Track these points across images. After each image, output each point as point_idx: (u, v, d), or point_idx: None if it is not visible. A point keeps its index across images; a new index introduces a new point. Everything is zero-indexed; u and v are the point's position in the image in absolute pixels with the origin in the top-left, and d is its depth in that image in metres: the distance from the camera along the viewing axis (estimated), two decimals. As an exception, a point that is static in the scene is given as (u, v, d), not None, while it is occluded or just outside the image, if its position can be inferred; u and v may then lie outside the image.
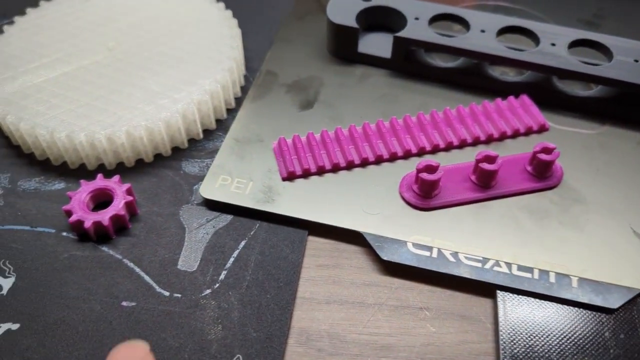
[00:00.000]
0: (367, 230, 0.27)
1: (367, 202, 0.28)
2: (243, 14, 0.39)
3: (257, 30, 0.38)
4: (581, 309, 0.25)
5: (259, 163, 0.30)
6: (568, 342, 0.24)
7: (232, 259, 0.27)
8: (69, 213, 0.27)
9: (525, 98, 0.32)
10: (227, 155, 0.30)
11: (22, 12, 0.36)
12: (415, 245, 0.27)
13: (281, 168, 0.29)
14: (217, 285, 0.26)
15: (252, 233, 0.28)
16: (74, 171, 0.30)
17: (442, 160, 0.30)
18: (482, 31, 0.33)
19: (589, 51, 0.33)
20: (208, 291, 0.26)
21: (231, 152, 0.30)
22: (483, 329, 0.25)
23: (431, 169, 0.27)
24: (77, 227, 0.27)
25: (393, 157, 0.30)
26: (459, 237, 0.27)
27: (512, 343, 0.24)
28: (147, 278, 0.26)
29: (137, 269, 0.26)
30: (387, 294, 0.26)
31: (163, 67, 0.31)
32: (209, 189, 0.28)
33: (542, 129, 0.32)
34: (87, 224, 0.26)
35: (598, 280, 0.25)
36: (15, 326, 0.24)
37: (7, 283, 0.26)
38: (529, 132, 0.31)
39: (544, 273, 0.26)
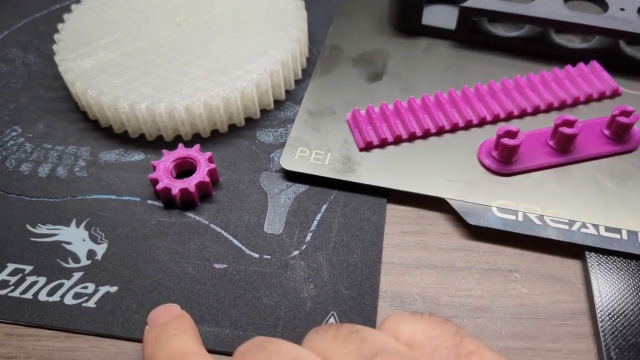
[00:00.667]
0: (450, 197, 0.27)
1: (447, 170, 0.28)
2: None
3: (317, 4, 0.39)
4: (673, 268, 0.25)
5: (334, 134, 0.30)
6: (663, 299, 0.24)
7: (315, 222, 0.27)
8: (155, 181, 0.27)
9: (595, 64, 0.32)
10: (302, 127, 0.30)
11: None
12: (500, 209, 0.27)
13: (357, 138, 0.30)
14: (305, 246, 0.26)
15: (332, 197, 0.28)
16: (151, 143, 0.31)
17: (518, 127, 0.30)
18: (549, -2, 0.33)
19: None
20: (296, 252, 0.26)
21: (306, 124, 0.30)
22: (575, 290, 0.25)
23: (512, 134, 0.27)
24: (165, 195, 0.27)
25: (468, 125, 0.30)
26: (543, 201, 0.27)
27: (607, 302, 0.24)
28: (235, 241, 0.27)
29: (225, 233, 0.27)
30: (476, 257, 0.26)
31: (232, 40, 0.32)
32: (289, 161, 0.29)
33: (615, 94, 0.31)
34: (175, 191, 0.27)
35: (687, 239, 0.25)
36: (113, 289, 0.25)
37: (100, 249, 0.26)
38: (601, 97, 0.31)
39: (632, 233, 0.26)
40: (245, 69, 0.30)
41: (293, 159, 0.29)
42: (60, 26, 0.33)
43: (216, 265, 0.26)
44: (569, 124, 0.28)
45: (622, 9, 0.32)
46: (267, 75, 0.30)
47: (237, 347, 0.18)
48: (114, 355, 0.23)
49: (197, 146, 0.29)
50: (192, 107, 0.29)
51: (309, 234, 0.27)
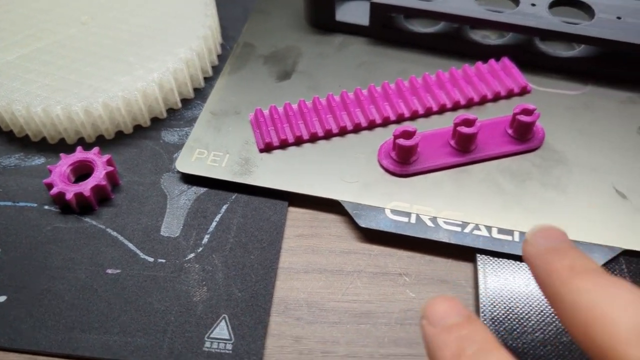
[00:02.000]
0: (346, 199, 0.27)
1: (346, 171, 0.28)
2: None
3: (232, 1, 0.38)
4: (562, 270, 0.25)
5: (235, 135, 0.29)
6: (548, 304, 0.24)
7: (214, 223, 0.27)
8: (49, 186, 0.27)
9: (506, 60, 0.32)
10: (203, 128, 0.30)
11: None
12: (393, 211, 0.26)
13: (258, 139, 0.29)
14: (201, 249, 0.26)
15: (233, 197, 0.28)
16: (53, 146, 0.30)
17: (422, 126, 0.30)
18: (461, -6, 0.32)
19: (569, 10, 0.32)
20: (192, 255, 0.26)
21: (208, 125, 0.30)
22: (464, 293, 0.25)
23: (408, 134, 0.27)
24: (59, 200, 0.27)
25: (372, 125, 0.30)
26: (438, 202, 0.26)
27: (492, 306, 0.24)
28: (130, 245, 0.26)
29: (121, 237, 0.26)
30: (366, 261, 0.26)
31: (138, 38, 0.31)
32: (185, 163, 0.28)
33: (524, 91, 0.31)
34: (69, 195, 0.26)
35: (580, 240, 0.25)
36: (2, 298, 0.24)
37: None
38: (510, 94, 0.31)
39: (524, 235, 0.25)
40: (147, 68, 0.30)
41: (190, 161, 0.28)
42: (-38, 27, 0.33)
43: (109, 271, 0.25)
44: (469, 123, 0.27)
45: (533, 5, 0.32)
46: (170, 74, 0.30)
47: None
48: (-12, 367, 0.23)
49: (95, 149, 0.28)
50: (90, 108, 0.28)
51: (206, 236, 0.26)
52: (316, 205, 0.27)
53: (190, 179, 0.28)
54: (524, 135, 0.28)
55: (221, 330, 0.24)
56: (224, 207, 0.27)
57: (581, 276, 0.16)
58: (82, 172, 0.28)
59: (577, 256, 0.17)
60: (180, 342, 0.23)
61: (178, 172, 0.28)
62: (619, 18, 0.31)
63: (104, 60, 0.30)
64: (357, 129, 0.29)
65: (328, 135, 0.29)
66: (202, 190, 0.28)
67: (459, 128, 0.27)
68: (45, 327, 0.24)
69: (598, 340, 0.15)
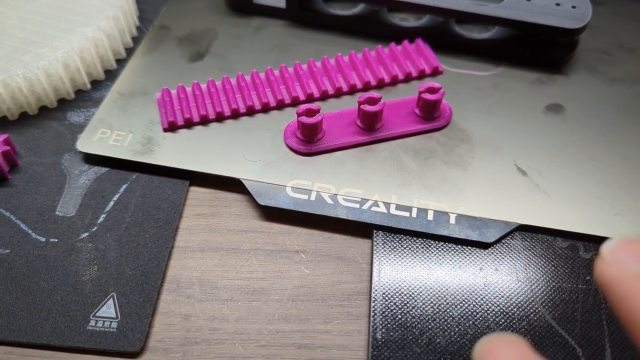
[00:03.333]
0: (247, 177, 0.26)
1: (251, 150, 0.27)
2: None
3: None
4: (457, 245, 0.25)
5: (141, 115, 0.29)
6: (440, 278, 0.24)
7: (112, 203, 0.26)
8: None
9: (420, 42, 0.32)
10: (109, 109, 0.29)
11: None
12: (294, 189, 0.26)
13: (163, 119, 0.28)
14: (95, 228, 0.25)
15: (134, 177, 0.27)
16: None
17: (332, 106, 0.29)
18: (377, -24, 0.32)
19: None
20: (85, 234, 0.25)
21: (113, 105, 0.29)
22: (359, 270, 0.24)
23: (311, 112, 0.27)
24: None
25: (281, 105, 0.29)
26: (340, 180, 0.26)
27: (384, 280, 0.23)
28: (22, 225, 0.25)
29: (13, 218, 0.26)
30: (264, 239, 0.25)
31: (43, 17, 0.30)
32: (87, 143, 0.28)
33: (436, 72, 0.31)
34: None
35: (477, 216, 0.25)
36: None
37: None
38: (422, 75, 0.31)
39: (422, 211, 0.25)
40: (51, 46, 0.29)
41: (92, 141, 0.28)
42: None
43: None
44: (372, 101, 0.27)
45: (446, -14, 0.32)
46: (75, 53, 0.29)
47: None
48: None
49: None
50: None
51: (103, 215, 0.26)
52: (218, 185, 0.27)
53: (93, 160, 0.28)
54: (430, 114, 0.28)
55: (108, 308, 0.23)
56: (124, 186, 0.27)
57: None
58: None
59: None
60: (64, 321, 0.22)
61: (80, 152, 0.28)
62: (528, 0, 0.31)
63: (7, 39, 0.29)
64: (265, 108, 0.29)
65: (235, 114, 0.29)
66: (103, 170, 0.27)
67: (362, 106, 0.27)
68: None
69: None
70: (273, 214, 0.26)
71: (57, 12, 0.31)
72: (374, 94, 0.27)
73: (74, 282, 0.24)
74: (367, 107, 0.27)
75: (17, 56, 0.28)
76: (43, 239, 0.25)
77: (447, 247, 0.24)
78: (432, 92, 0.28)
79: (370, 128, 0.28)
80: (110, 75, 0.32)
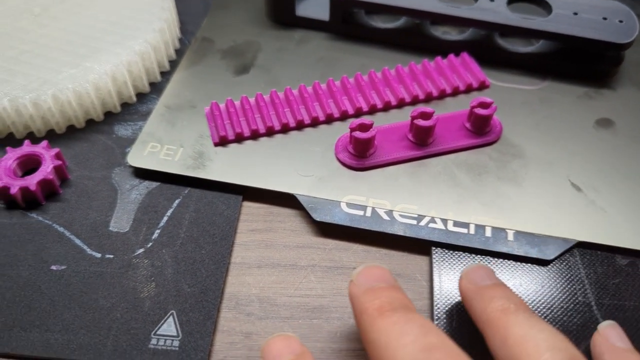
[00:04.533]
0: (301, 192, 0.26)
1: (302, 165, 0.27)
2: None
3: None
4: (518, 262, 0.24)
5: (190, 129, 0.29)
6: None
7: (165, 218, 0.26)
8: None
9: (465, 56, 0.32)
10: (157, 122, 0.29)
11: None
12: (349, 205, 0.26)
13: (213, 133, 0.28)
14: (151, 244, 0.25)
15: (186, 192, 0.27)
16: (1, 140, 0.29)
17: (381, 120, 0.29)
18: (421, -11, 0.32)
19: (528, 7, 0.33)
20: (141, 250, 0.25)
21: (162, 119, 0.29)
22: (418, 287, 0.24)
23: (364, 127, 0.27)
24: (3, 194, 0.26)
25: (330, 119, 0.29)
26: (394, 196, 0.26)
27: (445, 299, 0.23)
28: (77, 241, 0.25)
29: (67, 233, 0.25)
30: (321, 255, 0.25)
31: (91, 31, 0.30)
32: (137, 157, 0.27)
33: (483, 86, 0.31)
34: (14, 190, 0.25)
35: (534, 232, 0.25)
36: None
37: None
38: (469, 89, 0.31)
39: (480, 228, 0.25)
40: (100, 60, 0.29)
41: (142, 155, 0.27)
42: None
43: (54, 267, 0.24)
44: (425, 116, 0.27)
45: (491, 0, 0.32)
46: (123, 66, 0.29)
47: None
48: None
49: (44, 142, 0.27)
50: (39, 101, 0.27)
51: (157, 231, 0.26)
52: (271, 200, 0.27)
53: (143, 174, 0.27)
54: (481, 129, 0.28)
55: (168, 326, 0.23)
56: (177, 201, 0.27)
57: (384, 316, 0.18)
58: (29, 166, 0.27)
59: (387, 296, 0.19)
60: (125, 340, 0.22)
61: (130, 166, 0.28)
62: (575, 14, 0.31)
63: (55, 52, 0.29)
64: (315, 122, 0.29)
65: (285, 129, 0.29)
66: (155, 184, 0.27)
67: (416, 121, 0.27)
68: None
69: None
70: (328, 230, 0.26)
71: (104, 25, 0.31)
72: (426, 108, 0.27)
73: (132, 299, 0.23)
74: (421, 122, 0.27)
75: (66, 70, 0.28)
76: (99, 255, 0.25)
77: (506, 264, 0.24)
78: (484, 107, 0.28)
79: (423, 142, 0.28)
80: (155, 88, 0.32)
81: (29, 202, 0.26)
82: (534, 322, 0.18)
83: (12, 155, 0.27)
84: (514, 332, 0.18)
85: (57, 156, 0.27)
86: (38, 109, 0.28)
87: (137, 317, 0.23)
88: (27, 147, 0.27)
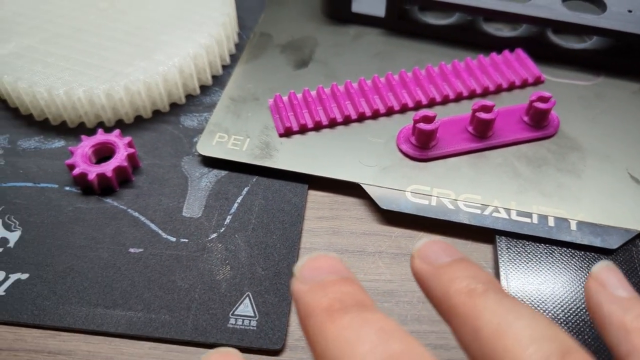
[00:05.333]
0: (366, 182, 0.27)
1: (365, 155, 0.28)
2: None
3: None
4: (580, 251, 0.25)
5: (255, 120, 0.30)
6: (568, 283, 0.24)
7: (236, 205, 0.27)
8: (71, 167, 0.27)
9: (520, 52, 0.32)
10: (223, 113, 0.30)
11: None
12: (414, 194, 0.27)
13: (278, 124, 0.29)
14: (223, 229, 0.26)
15: (254, 180, 0.28)
16: (73, 130, 0.30)
17: (439, 113, 0.30)
18: (476, -14, 0.33)
19: (582, 4, 0.33)
20: (214, 235, 0.26)
21: (227, 110, 0.30)
22: (483, 273, 0.25)
23: (428, 119, 0.27)
24: (81, 180, 0.27)
25: (390, 112, 0.30)
26: (458, 186, 0.27)
27: (512, 285, 0.24)
28: (152, 226, 0.26)
29: (142, 218, 0.27)
30: (387, 242, 0.26)
31: (156, 25, 0.31)
32: (206, 146, 0.28)
33: (538, 81, 0.32)
34: (91, 176, 0.26)
35: (596, 223, 0.25)
36: (24, 276, 0.25)
37: (13, 236, 0.26)
38: (524, 84, 0.31)
39: (542, 217, 0.26)
40: (168, 53, 0.30)
41: (210, 145, 0.29)
42: (-20, 12, 0.33)
43: (132, 250, 0.26)
44: (487, 109, 0.28)
45: (546, -3, 0.32)
46: (190, 59, 0.30)
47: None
48: (11, 343, 0.23)
49: (117, 131, 0.28)
50: (112, 92, 0.29)
51: (229, 217, 0.27)
52: (335, 189, 0.28)
53: (211, 162, 0.28)
54: (539, 123, 0.29)
55: (245, 307, 0.24)
56: (245, 189, 0.28)
57: (334, 318, 0.14)
58: (102, 154, 0.28)
59: (337, 291, 0.15)
60: (205, 319, 0.23)
61: (198, 155, 0.29)
62: (630, 11, 0.31)
63: (123, 45, 0.30)
64: (375, 115, 0.30)
65: (346, 121, 0.29)
66: (223, 173, 0.28)
67: (477, 114, 0.28)
68: (69, 303, 0.24)
69: None
70: (392, 218, 0.27)
71: (169, 19, 0.32)
72: (487, 102, 0.28)
73: (209, 281, 0.24)
74: (482, 115, 0.28)
75: (136, 62, 0.29)
76: (174, 239, 0.26)
77: (571, 253, 0.25)
78: (543, 100, 0.28)
79: (483, 135, 0.28)
80: (217, 80, 0.33)
81: (104, 188, 0.27)
82: (509, 305, 0.14)
83: (87, 143, 0.28)
84: (487, 321, 0.14)
85: (130, 144, 0.28)
86: (110, 100, 0.29)
87: (215, 298, 0.24)
88: (100, 136, 0.28)
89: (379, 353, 0.13)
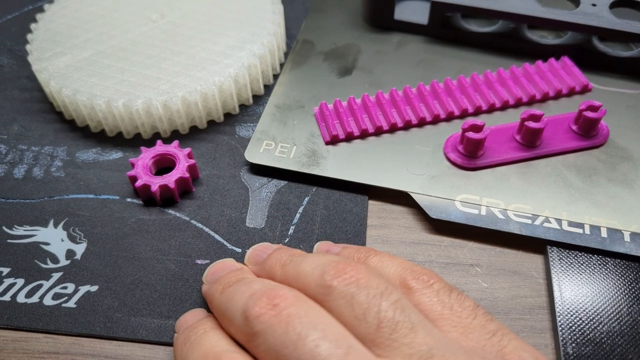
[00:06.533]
0: (414, 190, 0.27)
1: (413, 164, 0.28)
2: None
3: (292, 0, 0.39)
4: (635, 262, 0.25)
5: (301, 128, 0.30)
6: (623, 295, 0.24)
7: (298, 215, 0.27)
8: (133, 179, 0.27)
9: (566, 59, 0.32)
10: (269, 121, 0.30)
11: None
12: (463, 203, 0.26)
13: (324, 132, 0.29)
14: (287, 239, 0.26)
15: (314, 190, 0.28)
16: (129, 141, 0.30)
17: (485, 121, 0.30)
18: (521, -6, 0.33)
19: (630, 12, 0.33)
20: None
21: (273, 118, 0.30)
22: (535, 284, 0.25)
23: (476, 128, 0.27)
24: (144, 192, 0.27)
25: (436, 120, 0.30)
26: (507, 195, 0.27)
27: (566, 296, 0.24)
28: (217, 237, 0.26)
29: (206, 229, 0.27)
30: (437, 251, 0.26)
31: (209, 35, 0.32)
32: (254, 154, 0.29)
33: (585, 89, 0.31)
34: (154, 187, 0.27)
35: (651, 234, 0.25)
36: (94, 288, 0.25)
37: (79, 249, 0.26)
38: (571, 92, 0.31)
39: (595, 228, 0.25)
40: (222, 64, 0.30)
41: (258, 152, 0.29)
42: (33, 26, 0.33)
43: (198, 261, 0.26)
44: (535, 118, 0.28)
45: (593, 5, 0.32)
46: (245, 69, 0.30)
47: None
48: (68, 347, 0.23)
49: (175, 142, 0.28)
50: (169, 103, 0.29)
51: (292, 227, 0.27)
52: (383, 197, 0.28)
53: (266, 171, 0.29)
54: (588, 132, 0.29)
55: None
56: (306, 199, 0.28)
57: (225, 291, 0.21)
58: (162, 165, 0.29)
59: (229, 277, 0.22)
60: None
61: (248, 163, 0.29)
62: (679, 18, 0.31)
63: (177, 56, 0.31)
64: (421, 123, 0.30)
65: (392, 129, 0.30)
66: (282, 183, 0.28)
67: (526, 123, 0.28)
68: (140, 315, 0.24)
69: None
70: (441, 227, 0.27)
71: (221, 29, 0.32)
72: (536, 110, 0.28)
73: None
74: (531, 124, 0.27)
75: (193, 73, 0.30)
76: (239, 250, 0.26)
77: (625, 265, 0.25)
78: (593, 110, 0.28)
79: (531, 144, 0.28)
80: (268, 90, 0.33)
81: (166, 199, 0.28)
82: (299, 258, 0.21)
83: (147, 155, 0.28)
84: (289, 273, 0.21)
85: (189, 155, 0.28)
86: (167, 111, 0.29)
87: None
88: (160, 147, 0.28)
89: (254, 290, 0.19)
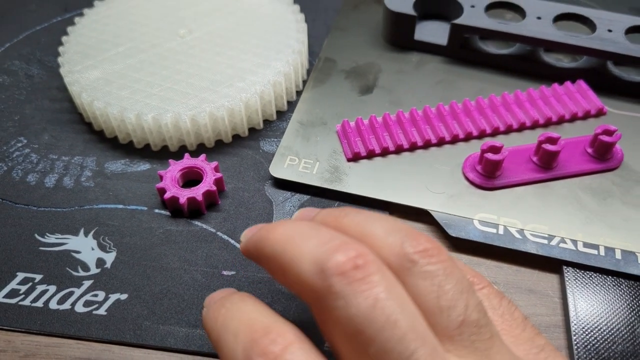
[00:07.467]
0: (433, 208, 0.28)
1: (432, 182, 0.29)
2: (300, 1, 0.40)
3: (316, 17, 0.40)
4: (648, 285, 0.26)
5: (323, 145, 0.31)
6: (636, 315, 0.25)
7: None
8: (162, 191, 0.28)
9: (582, 83, 0.33)
10: (292, 137, 0.31)
11: (89, 5, 0.37)
12: (481, 222, 0.27)
13: (346, 149, 0.30)
14: None
15: (336, 205, 0.29)
16: (157, 153, 0.31)
17: (502, 142, 0.31)
18: (538, 18, 0.34)
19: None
20: None
21: (297, 134, 0.31)
22: (551, 303, 0.26)
23: (495, 149, 0.28)
24: (172, 204, 0.28)
25: (454, 139, 0.31)
26: (524, 215, 0.28)
27: (582, 316, 0.24)
28: None
29: (232, 241, 0.27)
30: (455, 268, 0.27)
31: (235, 52, 0.33)
32: (278, 168, 0.30)
33: (600, 113, 0.32)
34: (182, 199, 0.27)
35: (664, 257, 0.26)
36: (123, 296, 0.26)
37: (109, 257, 0.27)
38: (587, 116, 0.32)
39: (609, 250, 0.26)
40: (249, 81, 0.31)
41: (282, 167, 0.30)
42: (64, 39, 0.34)
43: (225, 272, 0.26)
44: (552, 140, 0.29)
45: (609, 30, 0.33)
46: (270, 86, 0.31)
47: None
48: (99, 353, 0.24)
49: (203, 156, 0.29)
50: (197, 117, 0.30)
51: None
52: (404, 214, 0.29)
53: (289, 186, 0.30)
54: (603, 155, 0.29)
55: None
56: (329, 214, 0.28)
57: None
58: (189, 177, 0.29)
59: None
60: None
61: (272, 178, 0.30)
62: (693, 46, 0.32)
63: (205, 72, 0.32)
64: (440, 142, 0.31)
65: (412, 147, 0.30)
66: (305, 197, 0.29)
67: (543, 145, 0.28)
68: (168, 324, 0.25)
69: None
70: (460, 245, 0.27)
71: (250, 47, 0.33)
72: (553, 134, 0.29)
73: (302, 304, 0.25)
74: (549, 147, 0.28)
75: (220, 89, 0.31)
76: None
77: (638, 286, 0.25)
78: (608, 134, 0.29)
79: (548, 166, 0.29)
80: (291, 106, 0.34)
81: (193, 211, 0.28)
82: (364, 216, 0.19)
83: (176, 167, 0.29)
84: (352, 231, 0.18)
85: (216, 169, 0.29)
86: (194, 125, 0.30)
87: (311, 320, 0.24)
88: (188, 160, 0.29)
89: (325, 238, 0.17)
